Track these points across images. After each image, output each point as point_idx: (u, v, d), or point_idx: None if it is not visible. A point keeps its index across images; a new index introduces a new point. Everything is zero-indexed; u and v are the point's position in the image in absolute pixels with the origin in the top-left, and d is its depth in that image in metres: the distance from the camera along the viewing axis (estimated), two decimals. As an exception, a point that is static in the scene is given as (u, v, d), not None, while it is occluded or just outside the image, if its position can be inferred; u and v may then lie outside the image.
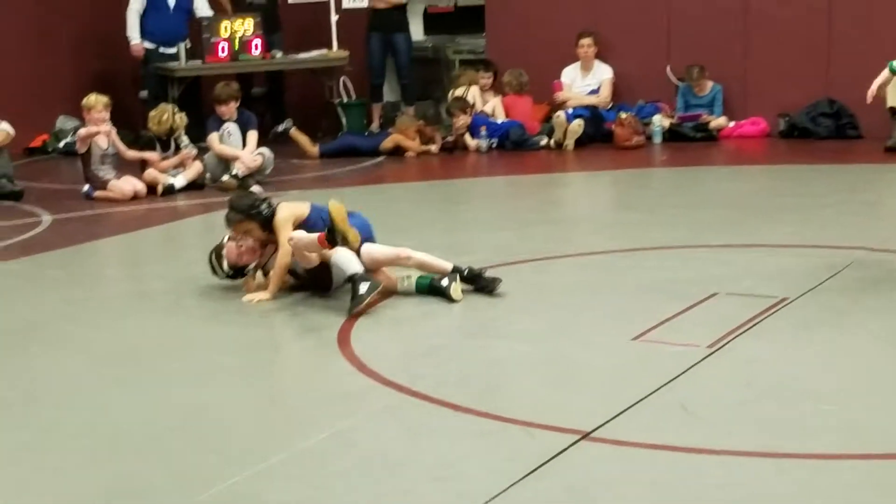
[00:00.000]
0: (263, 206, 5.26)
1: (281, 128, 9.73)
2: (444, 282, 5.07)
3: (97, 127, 7.92)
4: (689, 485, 3.11)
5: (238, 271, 5.30)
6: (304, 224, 5.22)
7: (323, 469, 3.34)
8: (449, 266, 5.13)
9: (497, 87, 10.19)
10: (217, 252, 5.33)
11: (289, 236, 5.08)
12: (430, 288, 5.11)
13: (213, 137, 8.38)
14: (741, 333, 4.39)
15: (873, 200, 7.14)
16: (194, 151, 8.33)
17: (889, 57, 8.90)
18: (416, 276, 5.19)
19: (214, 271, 5.34)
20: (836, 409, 3.61)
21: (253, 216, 5.24)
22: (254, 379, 4.22)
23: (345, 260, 4.98)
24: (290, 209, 5.27)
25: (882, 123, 8.99)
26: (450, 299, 5.01)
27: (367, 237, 5.23)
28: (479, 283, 5.13)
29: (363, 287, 4.88)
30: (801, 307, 4.75)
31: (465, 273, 5.12)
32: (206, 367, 4.34)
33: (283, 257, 5.13)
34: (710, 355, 4.15)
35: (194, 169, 8.30)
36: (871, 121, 9.24)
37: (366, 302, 4.85)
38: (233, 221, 5.29)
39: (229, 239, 5.30)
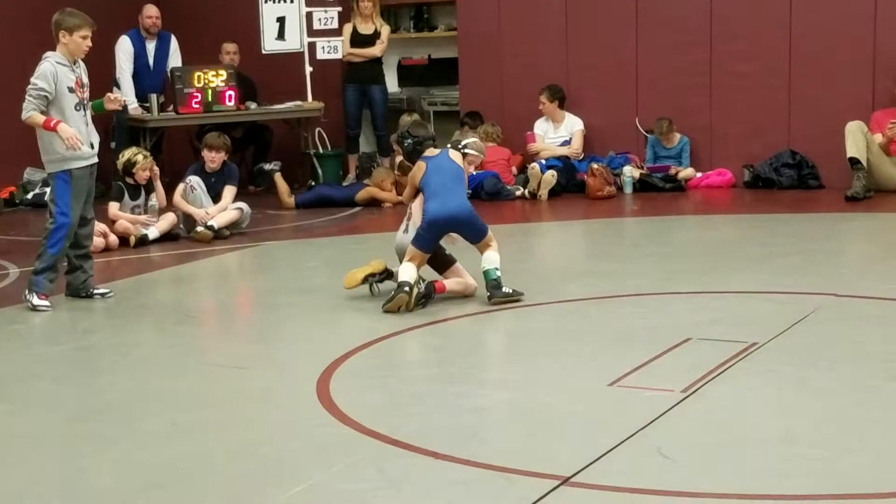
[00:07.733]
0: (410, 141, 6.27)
1: (268, 166, 9.83)
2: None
3: None
4: (666, 527, 3.17)
5: None
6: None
7: (303, 520, 3.28)
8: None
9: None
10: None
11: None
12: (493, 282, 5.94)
13: (177, 198, 8.36)
14: (714, 378, 4.48)
15: (836, 249, 7.29)
16: (156, 213, 8.24)
17: (844, 113, 9.21)
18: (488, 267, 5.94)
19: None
20: (807, 452, 3.69)
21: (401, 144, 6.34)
22: (228, 433, 4.13)
23: (403, 271, 5.82)
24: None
25: (841, 174, 9.22)
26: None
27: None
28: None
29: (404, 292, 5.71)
30: (772, 351, 4.85)
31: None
32: (179, 421, 4.25)
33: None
34: (684, 399, 4.23)
35: (168, 220, 8.24)
36: (832, 171, 9.50)
37: (393, 305, 5.68)
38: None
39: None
